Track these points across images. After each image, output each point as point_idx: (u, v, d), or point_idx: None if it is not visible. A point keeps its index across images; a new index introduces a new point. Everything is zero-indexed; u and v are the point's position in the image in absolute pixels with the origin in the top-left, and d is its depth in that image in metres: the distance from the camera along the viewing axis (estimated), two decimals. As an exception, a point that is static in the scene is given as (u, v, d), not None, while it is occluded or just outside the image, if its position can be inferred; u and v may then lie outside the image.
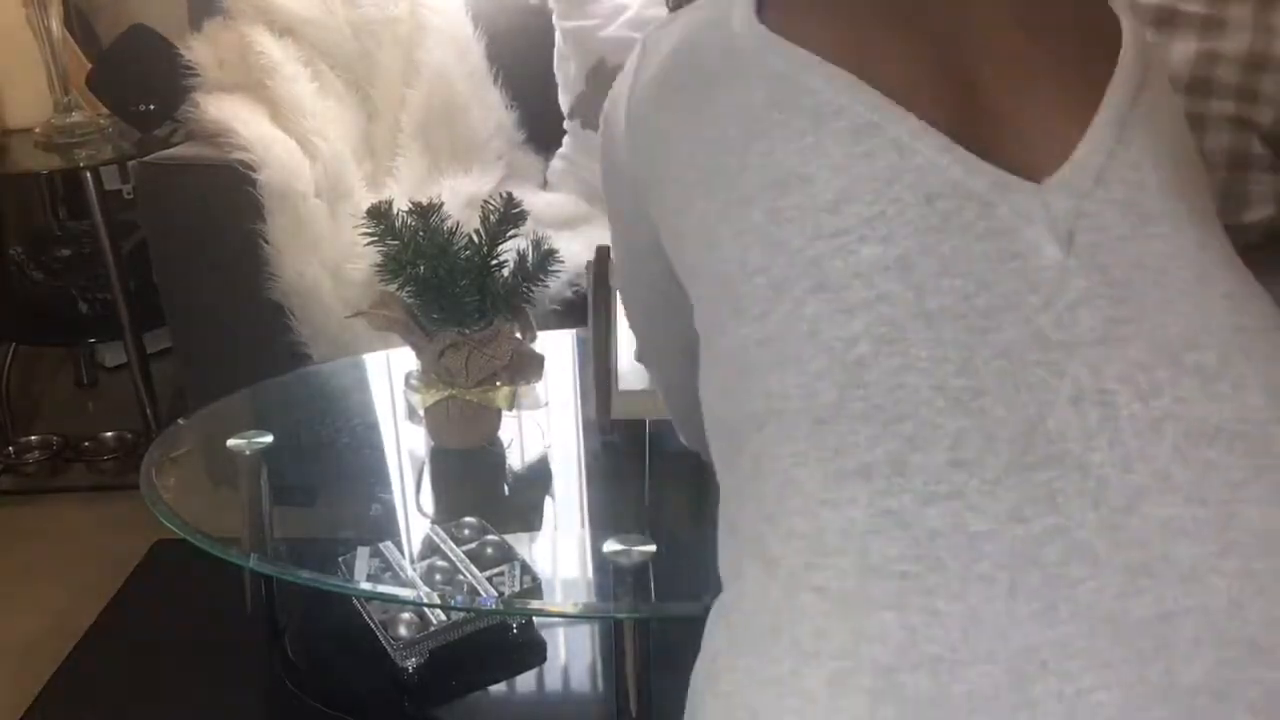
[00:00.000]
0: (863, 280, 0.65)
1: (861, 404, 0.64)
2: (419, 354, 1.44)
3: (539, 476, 1.53)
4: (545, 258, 1.40)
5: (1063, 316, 0.65)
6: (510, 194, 1.41)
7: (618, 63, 2.23)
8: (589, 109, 2.27)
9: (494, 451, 1.53)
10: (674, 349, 0.91)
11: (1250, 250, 1.88)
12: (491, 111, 2.33)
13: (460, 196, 2.05)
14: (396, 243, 1.37)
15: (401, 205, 1.42)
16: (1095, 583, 0.60)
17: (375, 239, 1.38)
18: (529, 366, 1.46)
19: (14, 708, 1.76)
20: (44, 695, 1.78)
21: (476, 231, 1.39)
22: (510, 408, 1.45)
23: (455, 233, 1.39)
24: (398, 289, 1.40)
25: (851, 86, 0.69)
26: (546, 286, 1.45)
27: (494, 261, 1.39)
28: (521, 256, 1.41)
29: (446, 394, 1.42)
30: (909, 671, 0.59)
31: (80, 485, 2.40)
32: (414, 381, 1.47)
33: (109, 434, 2.49)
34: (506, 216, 1.39)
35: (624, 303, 0.99)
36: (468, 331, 1.39)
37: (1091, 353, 0.64)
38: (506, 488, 1.52)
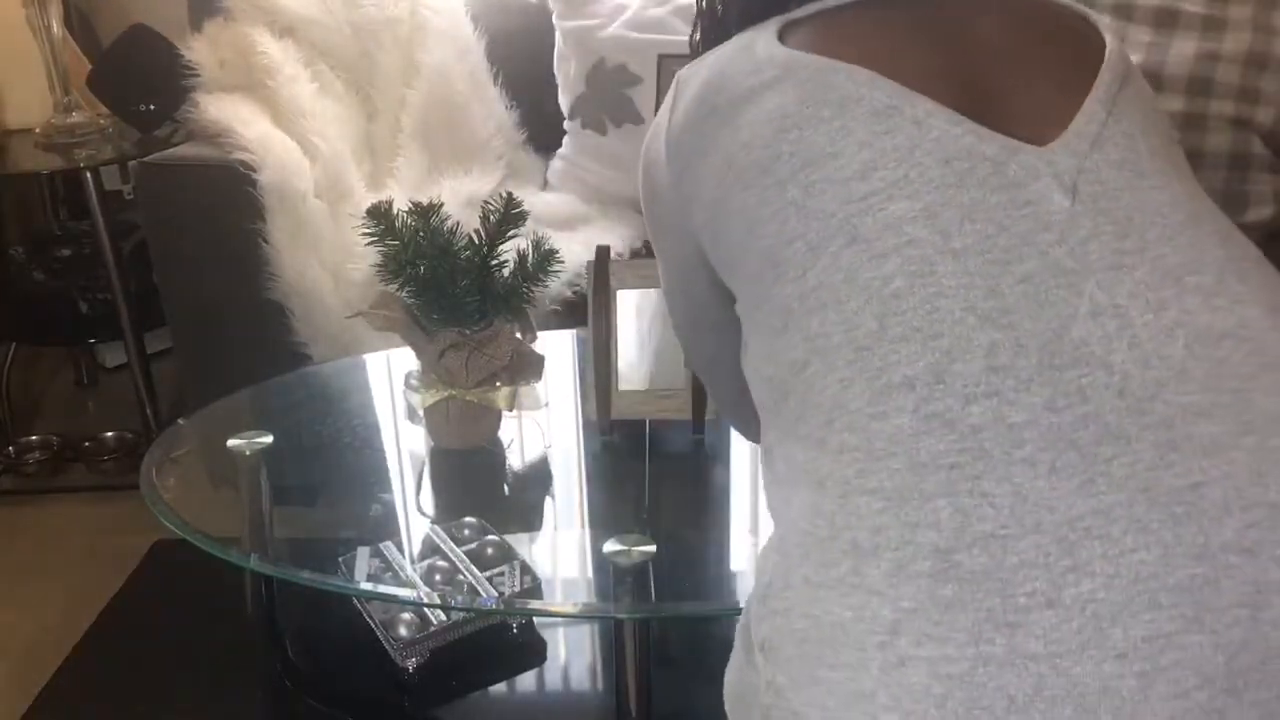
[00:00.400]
0: (892, 230, 0.73)
1: (900, 327, 0.70)
2: (419, 354, 1.44)
3: (539, 476, 1.53)
4: (545, 258, 1.40)
5: (1075, 249, 0.72)
6: (510, 194, 1.41)
7: (618, 63, 2.24)
8: (589, 109, 2.27)
9: (494, 451, 1.53)
10: (720, 357, 0.99)
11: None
12: (491, 111, 2.33)
13: (460, 196, 2.05)
14: (396, 243, 1.37)
15: (401, 205, 1.42)
16: (1128, 458, 0.66)
17: (375, 239, 1.38)
18: (529, 367, 1.46)
19: (14, 708, 1.76)
20: (44, 695, 1.78)
21: (476, 232, 1.39)
22: (510, 408, 1.45)
23: (455, 233, 1.39)
24: (398, 289, 1.40)
25: (871, 79, 0.78)
26: (546, 287, 1.45)
27: (494, 262, 1.39)
28: (522, 257, 1.41)
29: (446, 394, 1.42)
30: (964, 550, 0.65)
31: (80, 485, 2.40)
32: (414, 382, 1.47)
33: (109, 434, 2.49)
34: (507, 216, 1.39)
35: (675, 322, 1.06)
36: (468, 332, 1.39)
37: (1104, 277, 0.72)
38: (506, 488, 1.53)
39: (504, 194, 1.41)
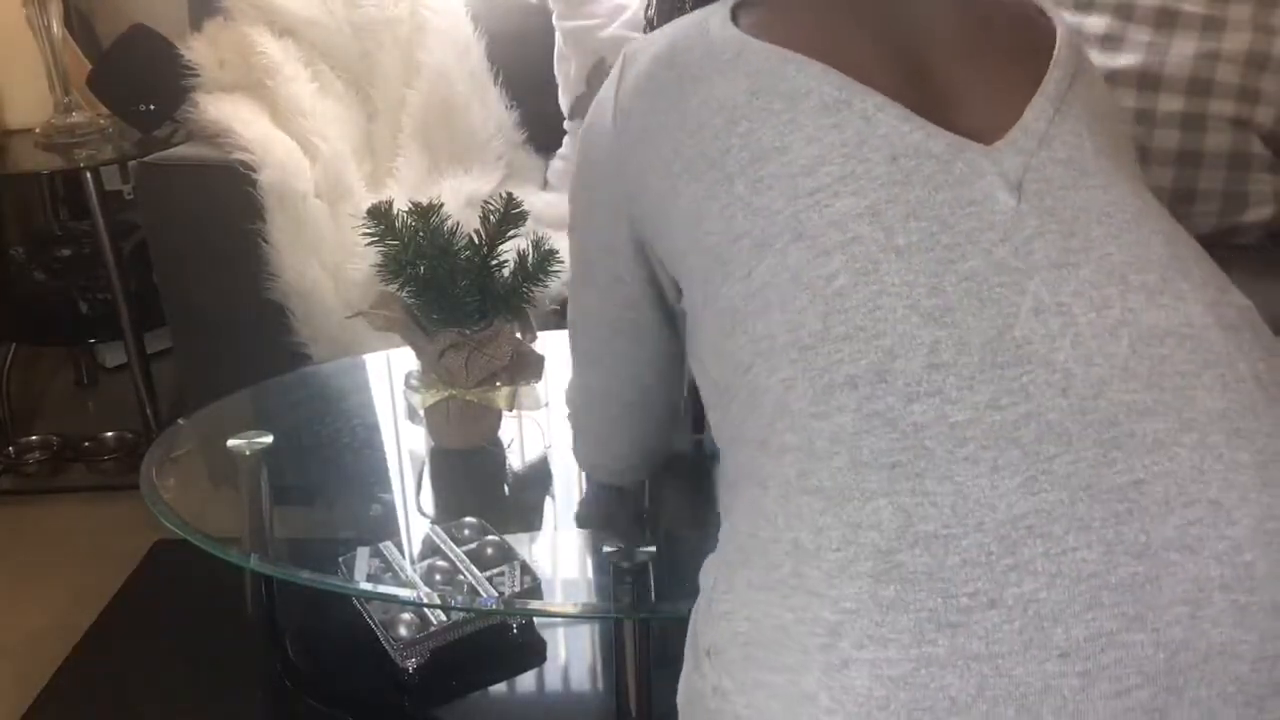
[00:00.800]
0: (837, 227, 0.72)
1: (844, 326, 0.70)
2: (419, 354, 1.44)
3: (539, 476, 1.53)
4: (545, 258, 1.40)
5: (1019, 248, 0.72)
6: (510, 194, 1.41)
7: (618, 63, 2.24)
8: (589, 109, 2.27)
9: (494, 451, 1.53)
10: (625, 363, 1.00)
11: (1250, 250, 1.89)
12: (491, 111, 2.33)
13: (460, 196, 2.05)
14: (396, 243, 1.37)
15: (402, 205, 1.42)
16: (1070, 456, 0.66)
17: (375, 239, 1.38)
18: (529, 367, 1.46)
19: (14, 707, 1.76)
20: (44, 695, 1.78)
21: (477, 232, 1.39)
22: (510, 408, 1.45)
23: (455, 233, 1.39)
24: (398, 289, 1.40)
25: (821, 71, 0.77)
26: (546, 286, 1.44)
27: (494, 262, 1.39)
28: (522, 256, 1.41)
29: (446, 394, 1.42)
30: (906, 550, 0.64)
31: (80, 485, 2.40)
32: (414, 381, 1.47)
33: (109, 434, 2.49)
34: (507, 216, 1.39)
35: (573, 316, 1.03)
36: (468, 332, 1.39)
37: (1048, 275, 0.72)
38: (506, 488, 1.52)
39: (504, 194, 1.41)
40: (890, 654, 0.64)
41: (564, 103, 2.33)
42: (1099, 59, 1.78)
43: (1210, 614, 0.64)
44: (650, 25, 0.97)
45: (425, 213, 1.39)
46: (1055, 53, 0.82)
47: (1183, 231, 0.80)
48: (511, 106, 2.35)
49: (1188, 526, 0.66)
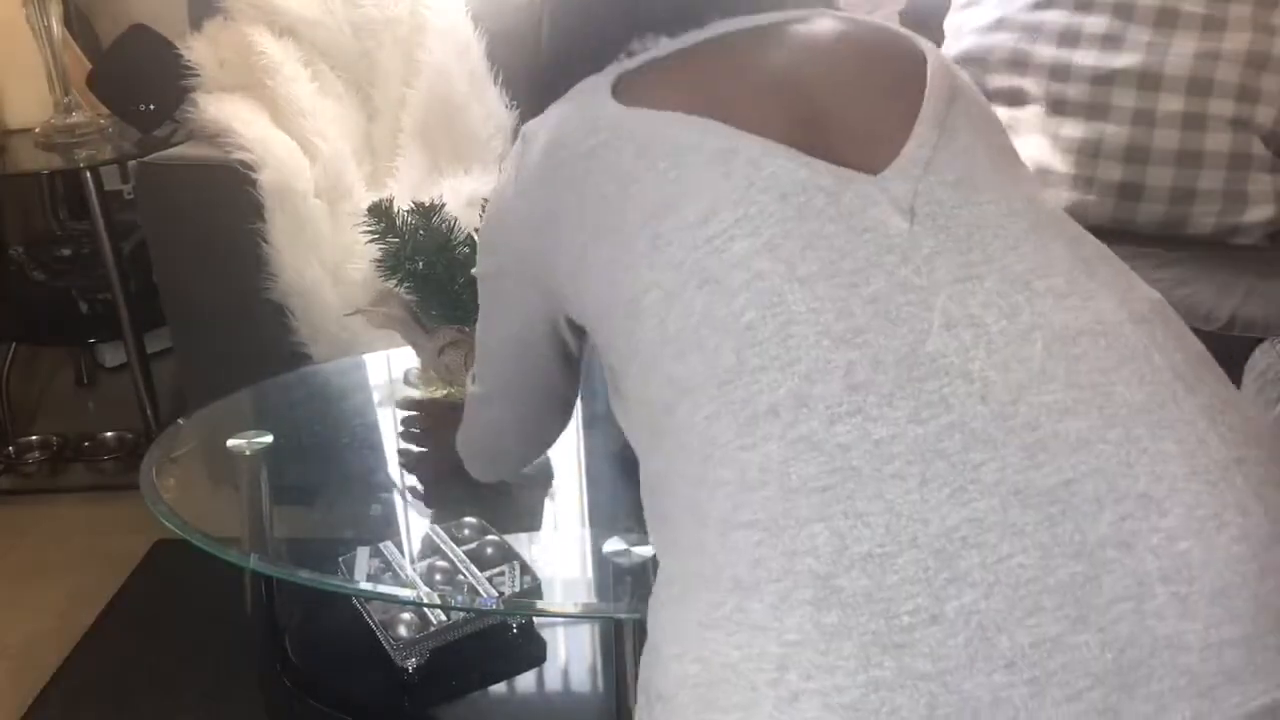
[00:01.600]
0: (740, 267, 0.74)
1: (758, 358, 0.71)
2: (418, 351, 1.44)
3: (539, 476, 1.53)
4: None
5: (920, 267, 0.73)
6: None
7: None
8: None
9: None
10: (526, 389, 1.06)
11: (1250, 250, 1.88)
12: (491, 111, 2.32)
13: (460, 196, 2.05)
14: (397, 240, 1.37)
15: (403, 205, 1.42)
16: (997, 463, 0.67)
17: (376, 236, 1.38)
18: None
19: (14, 708, 1.76)
20: (44, 695, 1.78)
21: (477, 229, 1.39)
22: None
23: (454, 229, 1.39)
24: (396, 285, 1.40)
25: (704, 125, 0.79)
26: None
27: None
28: None
29: (445, 391, 1.42)
30: (844, 574, 0.65)
31: (80, 485, 2.40)
32: (413, 379, 1.47)
33: (109, 434, 2.49)
34: None
35: (482, 371, 1.08)
36: (467, 329, 1.39)
37: (953, 290, 0.73)
38: (506, 488, 1.52)
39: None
40: (838, 681, 0.63)
41: (564, 103, 2.32)
42: (1099, 59, 1.78)
43: (1153, 607, 0.65)
44: (538, 94, 0.99)
45: (427, 213, 1.40)
46: (929, 80, 0.83)
47: (1084, 233, 0.82)
48: (511, 106, 2.35)
49: (1121, 522, 0.66)
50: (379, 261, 1.40)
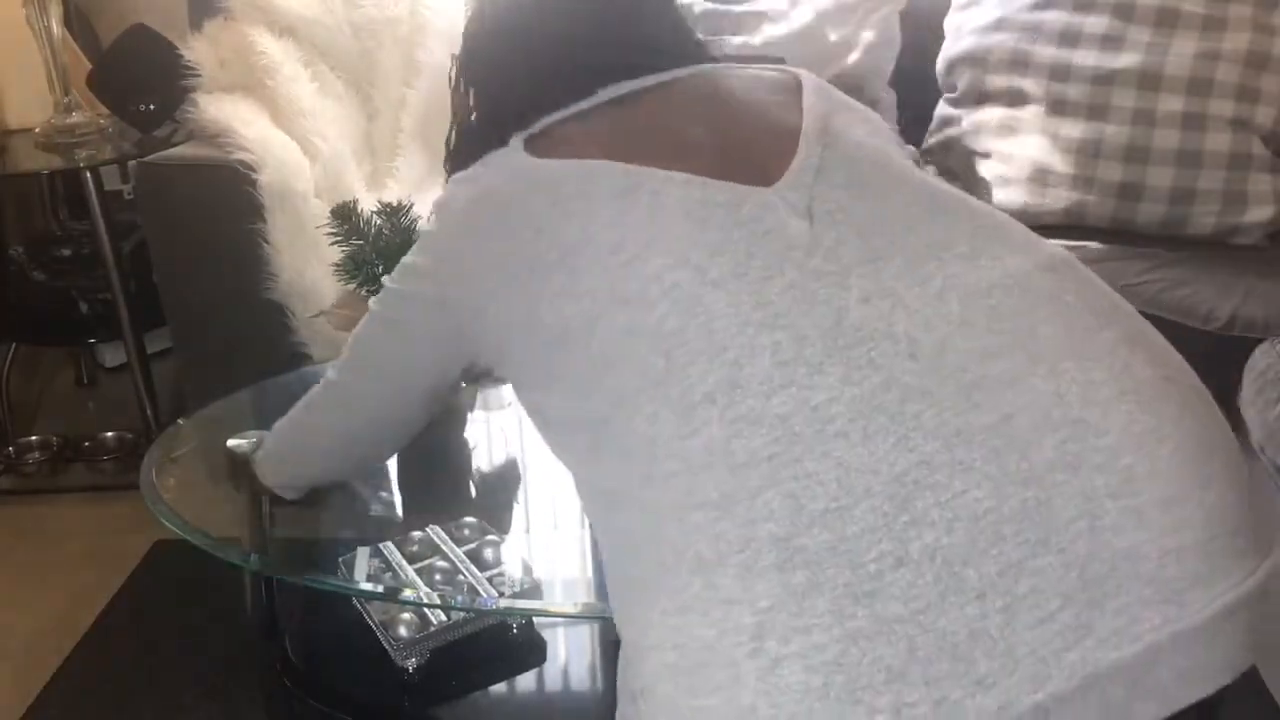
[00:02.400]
0: (655, 281, 0.78)
1: (686, 355, 0.74)
2: None
3: (539, 476, 1.54)
4: None
5: (827, 256, 0.78)
6: None
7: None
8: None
9: (496, 451, 1.54)
10: (385, 409, 1.10)
11: (1250, 250, 1.89)
12: (491, 111, 2.32)
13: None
14: (361, 242, 1.37)
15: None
16: (935, 409, 0.70)
17: (340, 239, 1.38)
18: None
19: (14, 708, 1.76)
20: (44, 695, 1.78)
21: None
22: (473, 409, 1.45)
23: (413, 232, 1.38)
24: (357, 288, 1.39)
25: (607, 166, 0.85)
26: None
27: None
28: None
29: None
30: (805, 533, 0.66)
31: (80, 485, 2.40)
32: None
33: (109, 434, 2.49)
34: None
35: (365, 358, 1.10)
36: None
37: (864, 269, 0.77)
38: (507, 487, 1.52)
39: None
40: (816, 639, 0.64)
41: (564, 103, 2.32)
42: (1099, 59, 1.78)
43: (1107, 523, 0.67)
44: (450, 159, 1.07)
45: (394, 213, 1.39)
46: (805, 102, 0.90)
47: (985, 206, 0.87)
48: (511, 106, 2.35)
49: (1063, 445, 0.69)
50: (338, 266, 1.39)
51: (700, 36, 1.05)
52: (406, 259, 1.01)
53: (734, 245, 0.78)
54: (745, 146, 0.87)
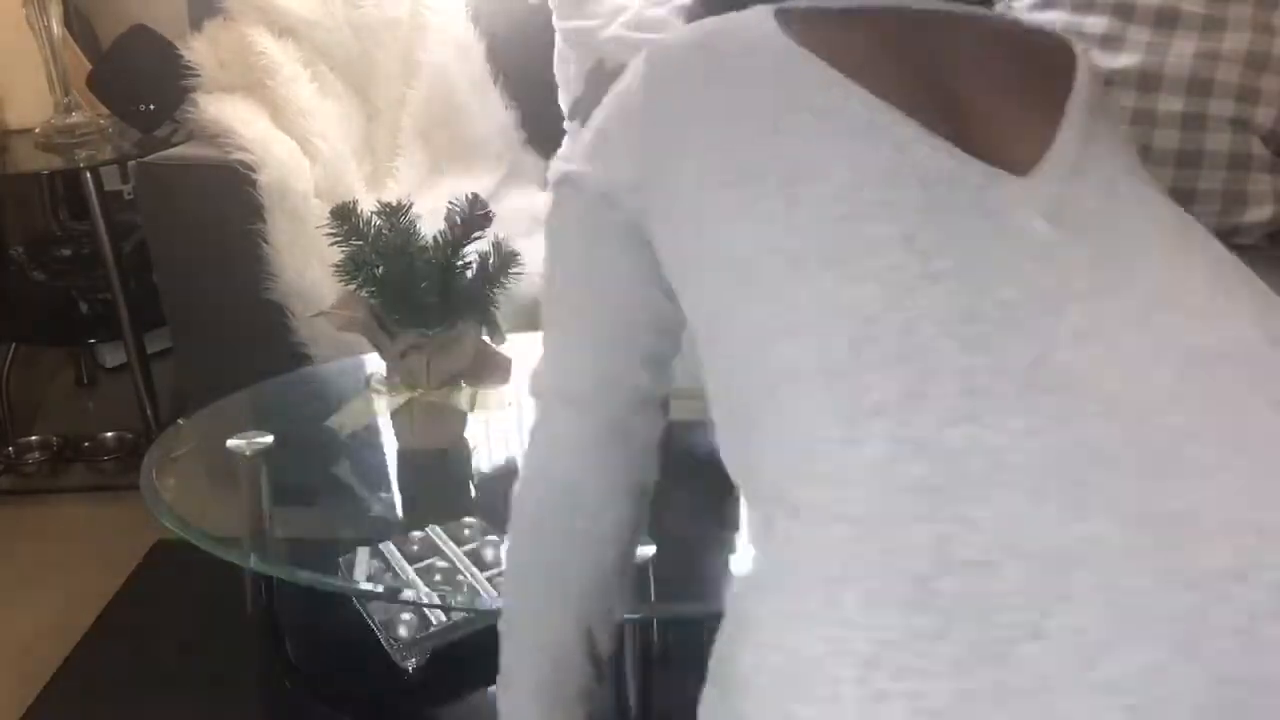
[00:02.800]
0: (871, 253, 0.70)
1: (874, 353, 0.68)
2: (382, 355, 1.44)
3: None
4: (507, 260, 1.40)
5: (1057, 276, 0.71)
6: (476, 195, 1.41)
7: (618, 63, 2.23)
8: (589, 110, 2.27)
9: (496, 451, 1.54)
10: (610, 377, 0.89)
11: (1250, 250, 1.88)
12: (491, 111, 2.33)
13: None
14: (361, 242, 1.37)
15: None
16: (1118, 483, 0.64)
17: (340, 239, 1.38)
18: (495, 369, 1.45)
19: (14, 708, 1.76)
20: (44, 695, 1.78)
21: (441, 233, 1.39)
22: (472, 409, 1.45)
23: (413, 233, 1.38)
24: (356, 289, 1.39)
25: (860, 96, 0.75)
26: (507, 289, 1.44)
27: (459, 263, 1.39)
28: (483, 259, 1.40)
29: (408, 395, 1.41)
30: (944, 578, 0.62)
31: (80, 485, 2.40)
32: (376, 384, 1.46)
33: (109, 434, 2.49)
34: (472, 218, 1.38)
35: (558, 324, 0.92)
36: (430, 333, 1.39)
37: (1088, 302, 0.70)
38: (507, 488, 1.52)
39: (469, 195, 1.41)
40: (929, 686, 0.61)
41: (564, 103, 2.32)
42: (1099, 59, 1.78)
43: (1262, 643, 0.61)
44: (690, 15, 0.92)
45: (394, 213, 1.39)
46: (1076, 81, 0.82)
47: (1222, 248, 0.79)
48: (511, 106, 2.35)
49: (1238, 554, 0.62)
50: (338, 266, 1.39)
51: None
52: (598, 115, 0.86)
53: (967, 239, 0.71)
54: (1001, 117, 0.78)
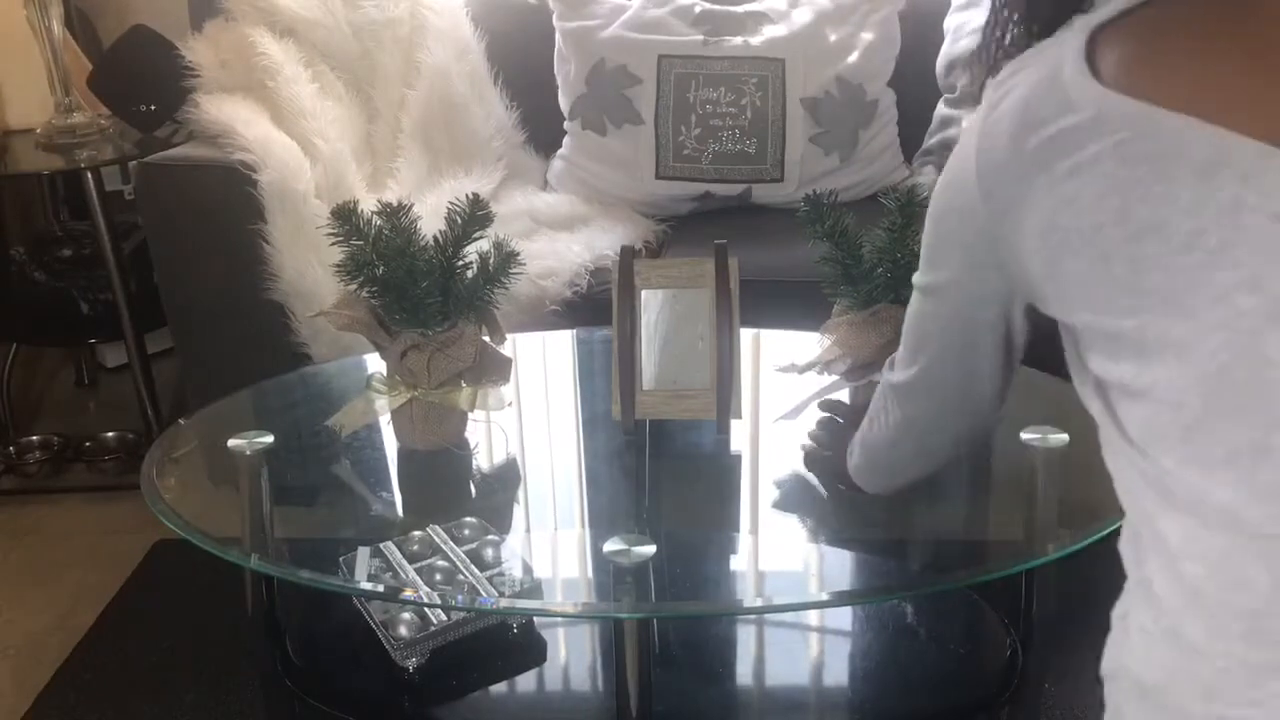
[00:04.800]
0: (1221, 303, 0.67)
1: (1224, 405, 0.68)
2: (382, 355, 1.44)
3: (540, 476, 1.54)
4: (506, 260, 1.40)
5: None
6: (476, 195, 1.41)
7: (618, 63, 2.24)
8: (589, 109, 2.28)
9: (496, 451, 1.54)
10: (957, 377, 0.95)
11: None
12: (491, 111, 2.33)
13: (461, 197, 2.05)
14: (361, 242, 1.37)
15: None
16: None
17: (340, 239, 1.38)
18: (495, 368, 1.45)
19: (15, 707, 1.76)
20: (44, 695, 1.78)
21: (441, 233, 1.39)
22: (472, 408, 1.45)
23: (413, 233, 1.39)
24: (357, 290, 1.40)
25: (1194, 129, 0.68)
26: (507, 289, 1.44)
27: (459, 263, 1.39)
28: (483, 259, 1.41)
29: (409, 395, 1.42)
30: (1276, 617, 0.66)
31: (81, 485, 2.40)
32: (376, 383, 1.47)
33: (110, 434, 2.49)
34: (473, 218, 1.39)
35: (921, 333, 0.96)
36: (430, 333, 1.39)
37: None
38: (506, 488, 1.53)
39: (469, 195, 1.41)
40: (1265, 713, 0.65)
41: (564, 103, 2.33)
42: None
43: None
44: (990, 51, 0.87)
45: (394, 213, 1.39)
46: None
47: None
48: (511, 106, 2.36)
49: None
50: (338, 266, 1.39)
51: None
52: (947, 170, 0.84)
53: None
54: None
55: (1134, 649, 0.72)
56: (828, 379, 1.44)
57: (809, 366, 1.43)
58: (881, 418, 1.07)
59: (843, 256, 1.38)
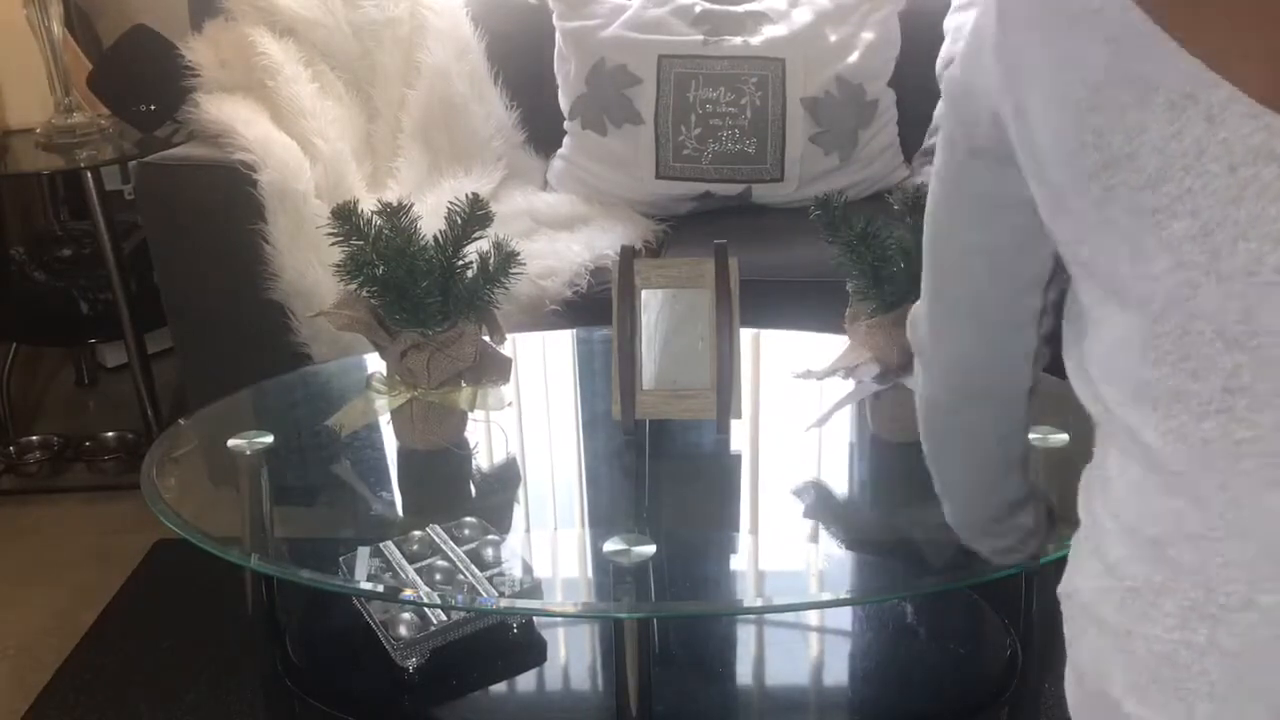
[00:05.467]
0: (1169, 251, 0.69)
1: (1155, 353, 0.71)
2: (382, 355, 1.44)
3: (539, 476, 1.54)
4: (506, 260, 1.40)
5: None
6: (476, 195, 1.41)
7: (618, 63, 2.24)
8: (589, 109, 2.28)
9: (496, 451, 1.54)
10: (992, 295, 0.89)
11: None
12: (491, 111, 2.33)
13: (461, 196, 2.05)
14: (361, 242, 1.37)
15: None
16: None
17: (340, 239, 1.38)
18: (495, 368, 1.45)
19: (14, 707, 1.76)
20: (44, 695, 1.78)
21: (441, 233, 1.39)
22: (472, 408, 1.45)
23: (413, 233, 1.39)
24: (357, 290, 1.40)
25: (1174, 56, 0.66)
26: (507, 288, 1.44)
27: (459, 263, 1.39)
28: (483, 258, 1.41)
29: (408, 395, 1.42)
30: (1174, 546, 0.71)
31: (81, 485, 2.40)
32: (376, 384, 1.47)
33: (110, 434, 2.49)
34: (473, 218, 1.39)
35: (936, 274, 0.91)
36: (430, 333, 1.39)
37: None
38: (506, 487, 1.53)
39: (469, 195, 1.41)
40: (1156, 631, 0.70)
41: (564, 102, 2.33)
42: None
43: None
44: None
45: (394, 213, 1.39)
46: None
47: None
48: (511, 106, 2.36)
49: None
50: (338, 266, 1.39)
51: None
52: (962, 53, 0.82)
53: (1265, 229, 0.64)
54: None
55: (1080, 569, 0.78)
56: (852, 384, 1.43)
57: (830, 372, 1.42)
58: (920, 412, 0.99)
59: (872, 258, 1.37)
